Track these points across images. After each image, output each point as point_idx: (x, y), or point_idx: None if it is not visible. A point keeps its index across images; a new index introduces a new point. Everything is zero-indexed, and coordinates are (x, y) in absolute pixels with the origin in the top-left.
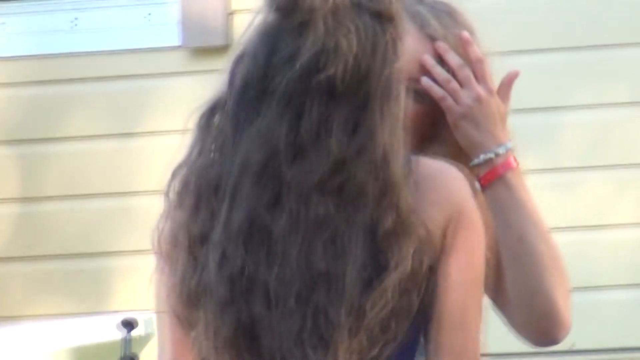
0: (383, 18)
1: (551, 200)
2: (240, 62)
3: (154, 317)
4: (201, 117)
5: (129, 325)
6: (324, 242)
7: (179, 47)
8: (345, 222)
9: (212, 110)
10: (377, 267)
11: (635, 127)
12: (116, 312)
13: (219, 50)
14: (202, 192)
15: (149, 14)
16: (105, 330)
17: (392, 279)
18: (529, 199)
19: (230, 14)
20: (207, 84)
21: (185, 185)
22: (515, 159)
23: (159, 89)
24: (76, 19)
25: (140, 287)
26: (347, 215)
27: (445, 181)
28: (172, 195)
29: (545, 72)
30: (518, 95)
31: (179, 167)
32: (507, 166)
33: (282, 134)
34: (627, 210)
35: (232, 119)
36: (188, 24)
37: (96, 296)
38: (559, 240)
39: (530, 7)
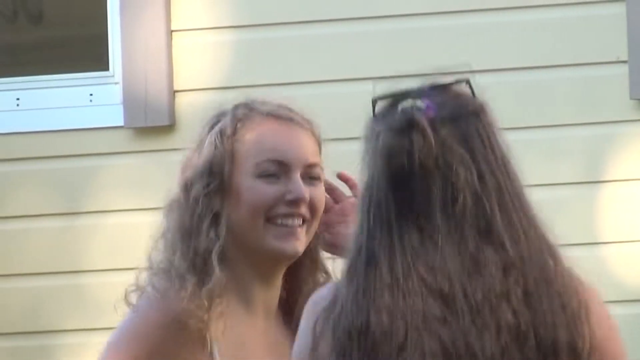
0: None
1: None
2: None
3: None
4: None
5: None
6: None
7: (122, 127)
8: None
9: None
10: None
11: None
12: None
13: (163, 129)
14: None
15: (91, 94)
16: None
17: None
18: None
19: (174, 93)
20: (151, 163)
21: None
22: None
23: (103, 168)
24: (18, 98)
25: None
26: None
27: None
28: None
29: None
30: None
31: None
32: None
33: None
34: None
35: None
36: (131, 104)
37: None
38: None
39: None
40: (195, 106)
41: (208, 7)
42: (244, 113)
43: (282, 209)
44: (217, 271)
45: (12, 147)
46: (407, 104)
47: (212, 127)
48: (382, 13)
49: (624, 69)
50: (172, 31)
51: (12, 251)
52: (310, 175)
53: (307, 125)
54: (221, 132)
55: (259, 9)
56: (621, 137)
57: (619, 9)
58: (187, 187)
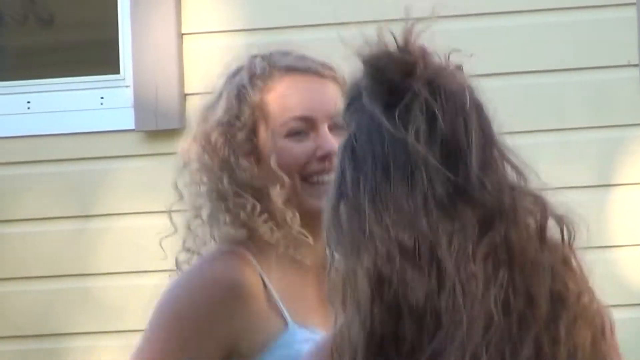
0: None
1: None
2: None
3: None
4: None
5: None
6: None
7: (132, 130)
8: None
9: None
10: None
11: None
12: None
13: (174, 133)
14: None
15: (102, 98)
16: None
17: None
18: None
19: (185, 96)
20: (162, 166)
21: None
22: None
23: (113, 171)
24: (29, 102)
25: None
26: None
27: None
28: None
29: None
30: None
31: None
32: None
33: None
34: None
35: None
36: (141, 107)
37: None
38: None
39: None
40: None
41: (218, 10)
42: (262, 68)
43: (315, 166)
44: (278, 203)
45: (23, 150)
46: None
47: (229, 82)
48: (394, 17)
49: (634, 73)
50: (182, 34)
51: (23, 254)
52: (338, 124)
53: (328, 72)
54: (240, 91)
55: (269, 12)
56: (632, 141)
57: (630, 13)
58: (213, 149)
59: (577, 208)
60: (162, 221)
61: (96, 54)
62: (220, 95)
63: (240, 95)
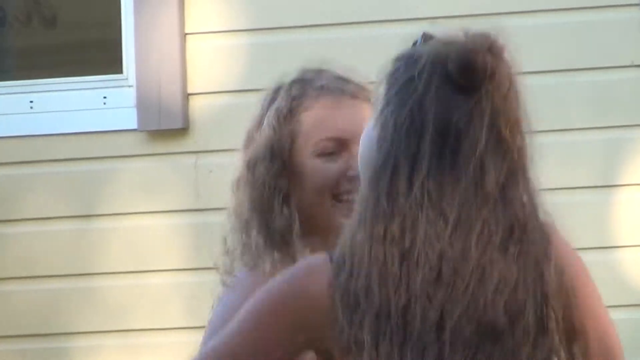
0: None
1: None
2: None
3: None
4: None
5: None
6: None
7: (135, 130)
8: None
9: None
10: None
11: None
12: None
13: (177, 132)
14: None
15: (105, 97)
16: None
17: None
18: None
19: (188, 96)
20: (165, 166)
21: None
22: None
23: (117, 171)
24: (32, 101)
25: None
26: None
27: None
28: None
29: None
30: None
31: None
32: None
33: None
34: None
35: None
36: (145, 107)
37: None
38: None
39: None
40: (208, 109)
41: (222, 10)
42: (299, 90)
43: (346, 186)
44: (300, 248)
45: (26, 150)
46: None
47: (269, 104)
48: (397, 17)
49: (638, 73)
50: (186, 34)
51: (25, 254)
52: None
53: (361, 93)
54: (278, 113)
55: (273, 12)
56: (636, 141)
57: (633, 14)
58: (250, 167)
59: (579, 209)
60: (165, 220)
61: (99, 54)
62: (260, 120)
63: (279, 120)
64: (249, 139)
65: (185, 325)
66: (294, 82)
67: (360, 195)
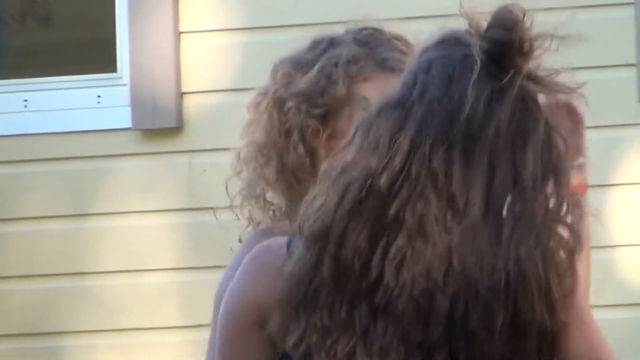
0: None
1: None
2: None
3: None
4: None
5: None
6: None
7: (129, 128)
8: None
9: None
10: None
11: None
12: None
13: (171, 131)
14: None
15: (99, 96)
16: None
17: None
18: None
19: (182, 95)
20: (159, 165)
21: None
22: None
23: (111, 170)
24: (26, 100)
25: None
26: None
27: None
28: None
29: None
30: None
31: None
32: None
33: None
34: None
35: None
36: (139, 106)
37: None
38: None
39: None
40: (203, 108)
41: (216, 9)
42: (360, 54)
43: None
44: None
45: (20, 149)
46: None
47: (322, 53)
48: (393, 16)
49: (632, 72)
50: (180, 33)
51: (19, 253)
52: None
53: None
54: (333, 71)
55: (267, 11)
56: (629, 141)
57: (628, 13)
58: (283, 106)
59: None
60: (159, 219)
61: (93, 53)
62: (311, 63)
63: (331, 75)
64: (287, 75)
65: (179, 324)
66: (353, 43)
67: None
